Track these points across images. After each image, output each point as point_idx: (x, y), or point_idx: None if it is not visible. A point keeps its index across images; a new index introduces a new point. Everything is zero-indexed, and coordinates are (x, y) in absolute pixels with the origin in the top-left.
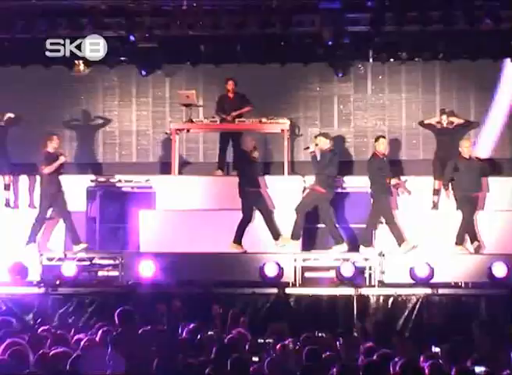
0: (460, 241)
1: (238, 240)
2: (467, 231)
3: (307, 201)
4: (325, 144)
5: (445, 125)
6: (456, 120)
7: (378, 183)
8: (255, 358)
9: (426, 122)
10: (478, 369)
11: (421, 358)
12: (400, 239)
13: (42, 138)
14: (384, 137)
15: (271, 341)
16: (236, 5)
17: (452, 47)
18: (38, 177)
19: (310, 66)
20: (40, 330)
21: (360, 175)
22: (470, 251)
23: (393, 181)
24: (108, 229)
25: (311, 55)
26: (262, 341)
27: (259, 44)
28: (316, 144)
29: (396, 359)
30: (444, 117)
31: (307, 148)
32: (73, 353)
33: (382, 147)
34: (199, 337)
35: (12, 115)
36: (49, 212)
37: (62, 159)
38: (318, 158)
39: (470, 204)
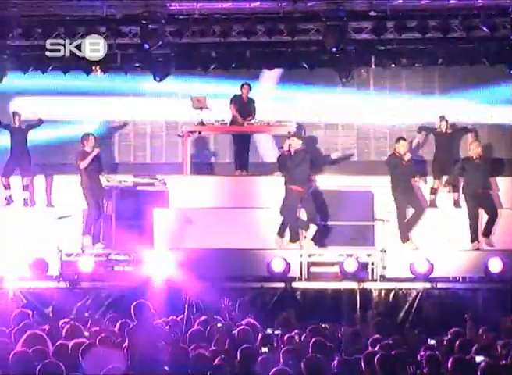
0: (474, 238)
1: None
2: (472, 228)
3: (290, 203)
4: (298, 144)
5: (444, 131)
6: (455, 126)
7: (395, 181)
8: (264, 349)
9: (424, 127)
10: (479, 358)
11: (421, 350)
12: (404, 238)
13: (80, 138)
14: (404, 139)
15: (279, 332)
16: (245, 13)
17: (450, 53)
18: (78, 177)
19: (315, 71)
20: (60, 323)
21: (363, 175)
22: (483, 245)
23: (407, 157)
24: (124, 226)
25: (316, 61)
26: (271, 331)
27: (267, 51)
28: (289, 145)
29: (393, 352)
30: (443, 123)
31: (282, 147)
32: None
33: (402, 149)
34: (209, 328)
35: (31, 117)
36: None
37: (95, 151)
38: (292, 158)
39: (475, 200)
